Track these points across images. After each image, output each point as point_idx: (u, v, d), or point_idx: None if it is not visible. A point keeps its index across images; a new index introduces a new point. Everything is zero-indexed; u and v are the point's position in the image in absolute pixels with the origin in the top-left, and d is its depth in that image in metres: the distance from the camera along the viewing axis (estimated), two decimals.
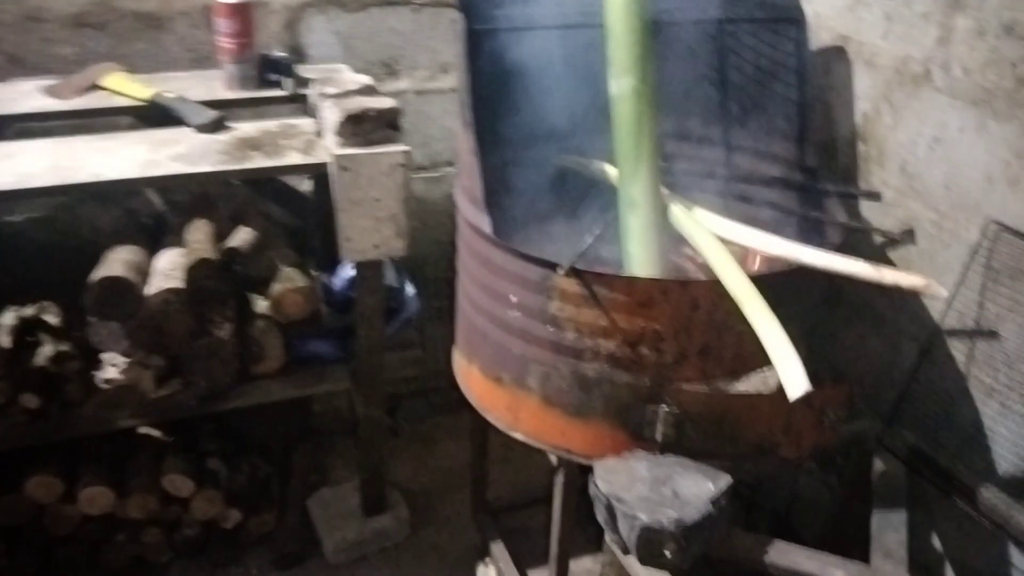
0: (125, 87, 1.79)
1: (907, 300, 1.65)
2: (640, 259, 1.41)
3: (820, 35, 1.78)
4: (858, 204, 1.72)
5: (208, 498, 1.95)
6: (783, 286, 1.34)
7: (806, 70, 1.68)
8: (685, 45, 1.80)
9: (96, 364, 1.79)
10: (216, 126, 1.66)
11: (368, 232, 1.63)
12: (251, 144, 1.62)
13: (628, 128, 1.41)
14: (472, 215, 1.47)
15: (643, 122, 1.41)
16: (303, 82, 1.85)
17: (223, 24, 1.77)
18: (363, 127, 1.55)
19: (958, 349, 1.53)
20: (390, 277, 2.04)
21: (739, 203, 1.71)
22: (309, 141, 1.64)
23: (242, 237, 1.89)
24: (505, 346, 1.46)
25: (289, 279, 1.86)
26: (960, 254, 1.51)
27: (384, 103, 1.58)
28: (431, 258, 2.31)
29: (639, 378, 1.35)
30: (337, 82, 1.67)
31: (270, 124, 1.72)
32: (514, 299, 1.40)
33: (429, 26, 2.15)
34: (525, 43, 1.48)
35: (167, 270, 1.81)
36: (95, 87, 1.81)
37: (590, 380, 1.37)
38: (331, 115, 1.55)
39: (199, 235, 1.88)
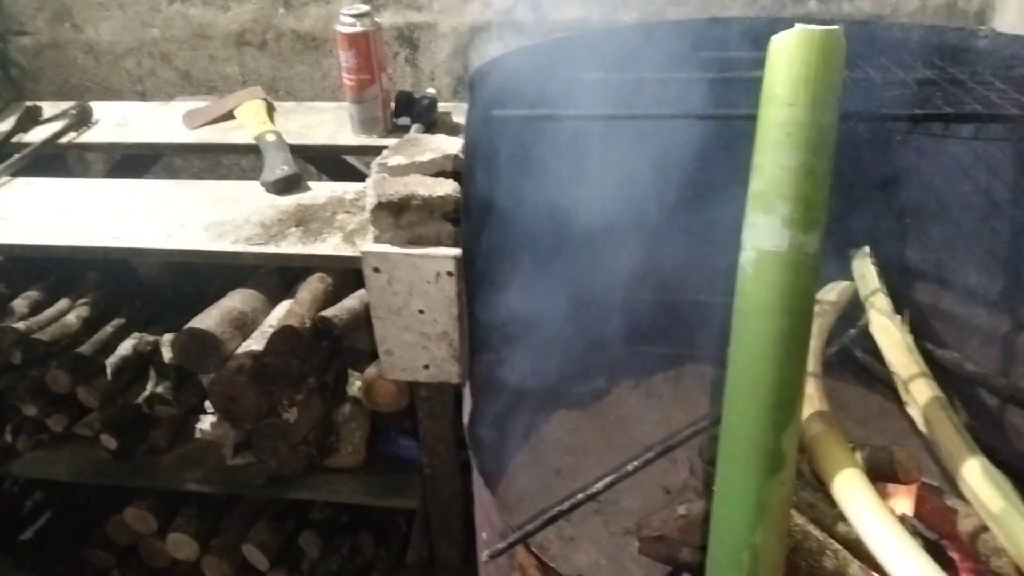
0: (250, 119, 1.55)
1: None
2: None
3: None
4: None
5: None
6: None
7: None
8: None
9: (197, 412, 1.63)
10: (284, 186, 1.33)
11: (414, 349, 1.19)
12: (303, 216, 1.27)
13: (753, 331, 0.78)
14: None
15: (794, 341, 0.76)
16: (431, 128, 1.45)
17: (343, 56, 1.43)
18: (406, 218, 1.11)
19: None
20: None
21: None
22: (366, 222, 1.23)
23: (347, 304, 1.56)
24: None
25: None
26: None
27: (441, 188, 1.11)
28: None
29: None
30: (418, 144, 1.23)
31: (350, 188, 1.35)
32: (484, 536, 0.87)
33: None
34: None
35: (268, 328, 1.57)
36: (228, 116, 1.60)
37: None
38: (369, 196, 1.13)
39: (306, 293, 1.59)
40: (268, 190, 1.34)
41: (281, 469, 1.53)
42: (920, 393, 0.94)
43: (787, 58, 0.80)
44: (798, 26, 0.79)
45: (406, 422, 1.54)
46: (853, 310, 1.10)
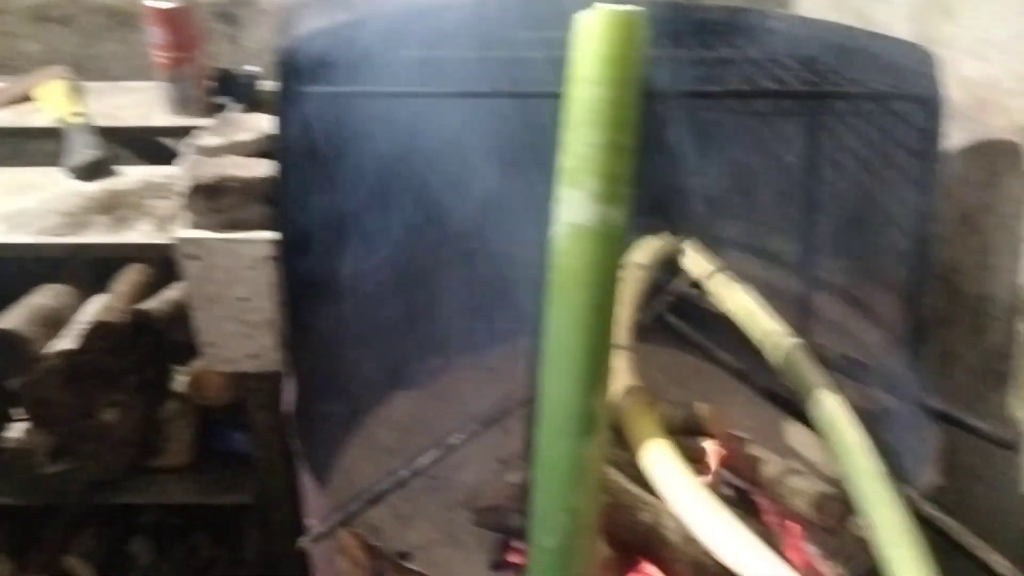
0: (52, 101, 1.44)
1: None
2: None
3: (990, 120, 1.03)
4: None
5: None
6: None
7: (933, 181, 0.96)
8: (751, 121, 1.13)
9: (4, 420, 1.51)
10: (90, 171, 1.25)
11: (238, 339, 1.16)
12: (111, 203, 1.20)
13: (568, 305, 0.80)
14: None
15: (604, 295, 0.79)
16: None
17: (154, 33, 1.35)
18: (223, 202, 1.07)
19: None
20: None
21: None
22: (180, 208, 1.18)
23: (168, 296, 1.49)
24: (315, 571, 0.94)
25: None
26: None
27: (259, 170, 1.08)
28: None
29: None
30: (236, 124, 1.19)
31: (163, 172, 1.29)
32: (313, 522, 0.86)
33: None
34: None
35: (81, 325, 1.47)
36: (29, 97, 1.48)
37: None
38: (183, 179, 1.08)
39: (123, 286, 1.51)
40: (72, 176, 1.25)
41: (103, 474, 1.45)
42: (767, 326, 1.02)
43: (591, 37, 0.82)
44: (600, 5, 0.82)
45: (237, 416, 1.49)
46: (664, 276, 1.17)
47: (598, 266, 0.79)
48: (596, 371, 0.78)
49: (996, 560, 0.79)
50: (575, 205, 0.80)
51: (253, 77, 1.44)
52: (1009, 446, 0.88)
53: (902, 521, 0.80)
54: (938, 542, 0.83)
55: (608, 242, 0.80)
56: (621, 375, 0.98)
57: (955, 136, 1.09)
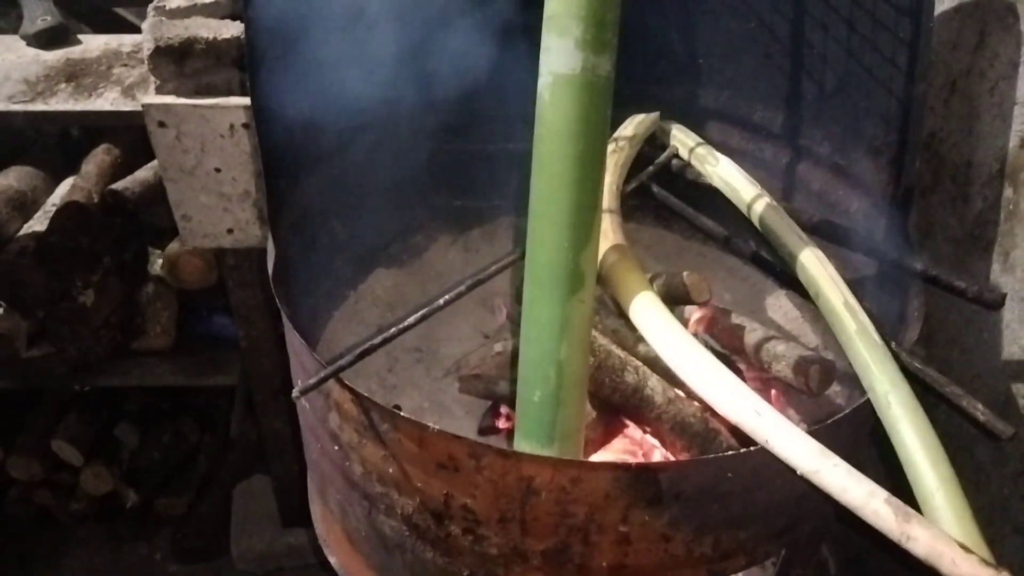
0: None
1: None
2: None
3: None
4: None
5: (96, 473, 1.61)
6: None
7: (923, 42, 0.91)
8: None
9: None
10: (49, 38, 1.17)
11: (215, 212, 1.11)
12: (74, 71, 1.13)
13: (561, 153, 0.76)
14: None
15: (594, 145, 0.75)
16: None
17: None
18: (190, 64, 1.00)
19: None
20: None
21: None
22: (147, 75, 1.11)
23: (140, 176, 1.43)
24: (305, 433, 0.92)
25: None
26: None
27: (227, 31, 1.01)
28: None
29: (452, 563, 0.77)
30: None
31: (127, 40, 1.21)
32: (299, 381, 0.84)
33: None
34: None
35: (51, 207, 1.42)
36: None
37: (389, 539, 0.81)
38: (146, 42, 1.02)
39: (92, 167, 1.44)
40: (30, 44, 1.18)
41: (84, 356, 1.42)
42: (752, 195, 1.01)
43: None
44: None
45: (219, 299, 1.46)
46: (651, 149, 1.13)
47: (585, 117, 0.75)
48: (584, 225, 0.75)
49: (976, 407, 0.80)
50: (561, 53, 0.75)
51: None
52: (993, 305, 0.87)
53: (896, 376, 0.79)
54: (922, 394, 0.83)
55: (595, 91, 0.75)
56: (609, 236, 0.96)
57: None
